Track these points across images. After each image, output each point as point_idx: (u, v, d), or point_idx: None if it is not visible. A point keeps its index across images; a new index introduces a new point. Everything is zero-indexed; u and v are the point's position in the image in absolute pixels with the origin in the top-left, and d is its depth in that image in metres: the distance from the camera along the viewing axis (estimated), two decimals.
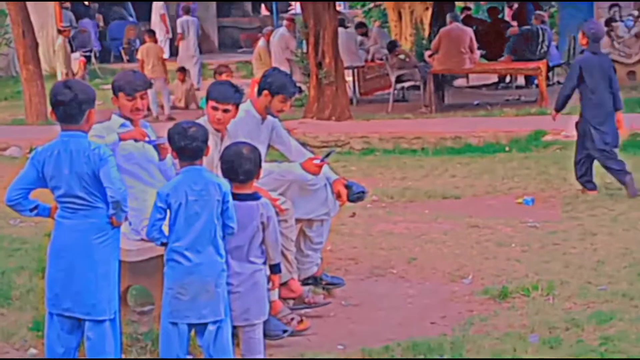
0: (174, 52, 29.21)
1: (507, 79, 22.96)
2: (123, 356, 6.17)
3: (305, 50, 19.21)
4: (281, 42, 20.20)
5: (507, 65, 20.44)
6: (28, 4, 19.41)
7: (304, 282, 7.35)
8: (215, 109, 6.79)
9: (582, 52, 11.81)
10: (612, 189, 11.14)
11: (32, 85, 19.01)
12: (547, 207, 10.66)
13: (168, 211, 5.45)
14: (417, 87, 19.93)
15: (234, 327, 5.70)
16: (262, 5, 35.80)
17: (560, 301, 7.10)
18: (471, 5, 29.03)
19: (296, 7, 30.27)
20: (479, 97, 20.83)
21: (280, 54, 20.04)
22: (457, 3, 25.20)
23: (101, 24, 31.14)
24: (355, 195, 7.46)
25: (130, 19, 31.65)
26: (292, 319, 6.70)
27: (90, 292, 5.34)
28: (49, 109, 5.43)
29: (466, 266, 8.20)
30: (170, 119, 18.03)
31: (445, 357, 6.01)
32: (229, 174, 5.76)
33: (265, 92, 7.21)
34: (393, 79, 19.47)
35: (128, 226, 6.62)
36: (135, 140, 6.34)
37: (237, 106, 6.86)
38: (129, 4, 32.64)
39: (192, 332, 5.58)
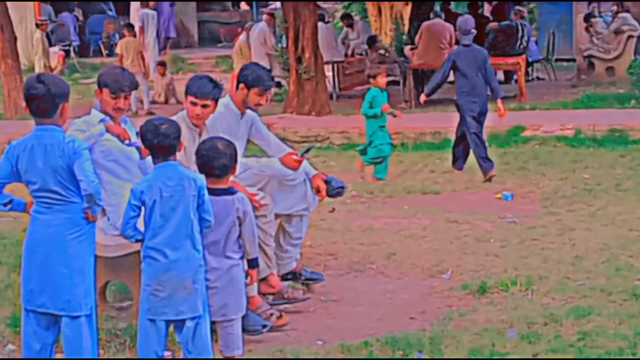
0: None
1: None
2: (101, 352, 6.17)
3: (285, 45, 19.20)
4: (260, 37, 20.19)
5: None
6: None
7: (283, 278, 7.35)
8: (194, 104, 6.77)
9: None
10: (590, 185, 11.18)
11: (11, 79, 18.91)
12: (526, 202, 10.70)
13: (143, 208, 5.42)
14: (396, 83, 19.92)
15: (212, 323, 5.69)
16: (242, 0, 35.72)
17: (538, 296, 7.12)
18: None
19: (276, 2, 30.24)
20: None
21: (260, 49, 20.03)
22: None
23: (80, 18, 30.99)
24: (335, 191, 7.45)
25: (110, 13, 31.52)
26: (271, 314, 6.69)
27: (65, 287, 5.31)
28: (24, 103, 5.40)
29: (445, 261, 8.21)
30: (149, 113, 17.96)
31: (424, 352, 6.01)
32: (204, 169, 5.74)
33: (242, 85, 7.20)
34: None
35: (106, 221, 6.62)
36: (118, 138, 6.32)
37: (216, 101, 6.85)
38: None
39: (171, 328, 5.57)
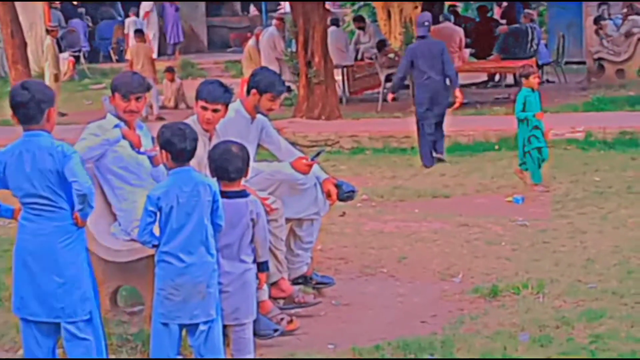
0: (162, 51, 29.24)
1: (497, 77, 22.97)
2: (112, 357, 6.18)
3: (294, 50, 19.20)
4: (270, 42, 20.19)
5: (496, 64, 20.48)
6: (17, 4, 19.38)
7: (294, 282, 7.35)
8: (204, 108, 6.77)
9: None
10: (601, 188, 11.16)
11: None
12: (537, 205, 10.68)
13: (158, 213, 5.43)
14: (406, 86, 19.92)
15: (224, 327, 5.69)
16: (252, 5, 35.76)
17: (550, 299, 7.11)
18: (459, 3, 29.04)
19: (285, 7, 30.28)
20: (468, 96, 20.79)
21: (270, 54, 20.03)
22: (445, 2, 25.23)
23: (90, 24, 31.05)
24: (345, 195, 7.45)
25: (119, 18, 31.58)
26: (282, 319, 6.69)
27: (56, 296, 5.30)
28: (10, 111, 5.40)
29: (456, 265, 8.21)
30: (159, 118, 18.00)
31: (435, 356, 6.01)
32: (219, 172, 5.75)
33: (254, 91, 7.20)
34: (382, 77, 19.47)
35: (117, 227, 6.63)
36: (131, 145, 6.35)
37: (226, 106, 6.85)
38: (118, 3, 32.61)
39: (184, 332, 5.58)
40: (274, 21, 21.61)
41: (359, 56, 21.77)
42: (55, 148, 5.25)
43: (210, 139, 6.82)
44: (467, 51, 19.86)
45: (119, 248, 6.49)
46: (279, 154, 7.52)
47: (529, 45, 20.58)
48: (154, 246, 5.51)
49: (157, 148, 5.67)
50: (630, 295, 7.06)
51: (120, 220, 6.64)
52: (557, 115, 16.52)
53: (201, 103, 6.79)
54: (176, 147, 5.46)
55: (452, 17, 20.13)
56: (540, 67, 21.36)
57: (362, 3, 31.15)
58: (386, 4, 24.57)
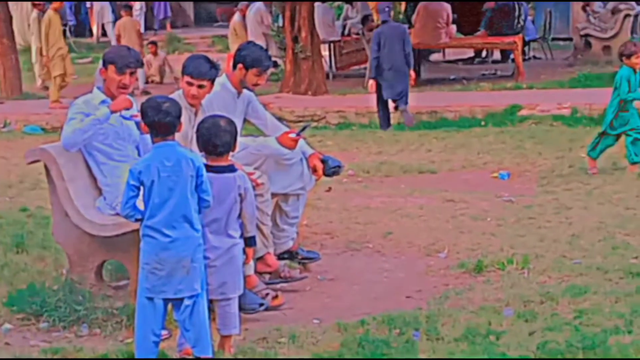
0: (148, 25, 29.14)
1: (484, 53, 22.99)
2: (98, 330, 6.19)
3: (281, 25, 19.16)
4: (257, 16, 20.13)
5: (483, 40, 20.47)
6: None
7: (280, 257, 7.35)
8: (190, 84, 6.76)
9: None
10: (586, 164, 11.17)
11: (7, 59, 18.90)
12: (523, 181, 10.71)
13: (141, 187, 5.42)
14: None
15: (210, 302, 5.69)
16: None
17: (535, 275, 7.13)
18: None
19: None
20: (454, 72, 20.87)
21: (256, 28, 19.96)
22: None
23: None
24: (332, 170, 7.45)
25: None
26: (267, 294, 6.70)
27: None
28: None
29: (442, 240, 8.22)
30: (145, 92, 17.96)
31: (420, 330, 6.01)
32: (207, 146, 5.73)
33: (240, 65, 7.19)
34: (369, 53, 19.41)
35: (102, 201, 6.63)
36: (124, 117, 6.39)
37: (212, 82, 6.83)
38: None
39: (169, 307, 5.57)
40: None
41: (347, 32, 21.73)
42: None
43: (195, 113, 6.81)
44: (454, 27, 19.83)
45: (105, 222, 6.48)
46: (265, 128, 7.51)
47: (515, 21, 20.55)
48: (136, 220, 5.50)
49: None
50: (615, 271, 7.08)
51: (105, 194, 6.64)
52: (544, 91, 16.57)
53: (187, 78, 6.77)
54: (150, 119, 5.45)
55: None
56: (527, 43, 21.38)
57: None
58: None
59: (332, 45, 20.49)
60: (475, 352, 5.59)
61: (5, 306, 6.58)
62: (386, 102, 14.66)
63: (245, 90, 7.33)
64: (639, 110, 10.88)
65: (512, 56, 20.19)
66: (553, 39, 22.81)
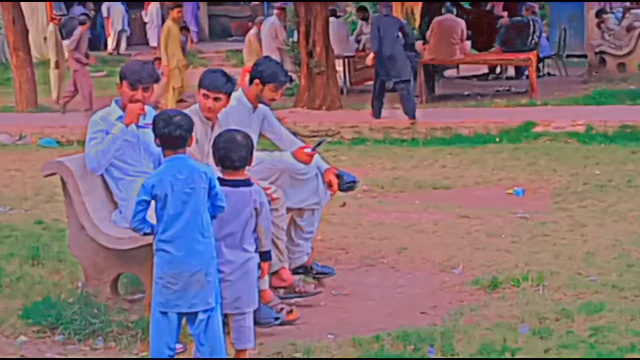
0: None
1: (498, 69, 22.98)
2: (113, 344, 6.19)
3: (296, 40, 19.19)
4: (271, 31, 20.15)
5: (497, 56, 20.47)
6: None
7: (295, 271, 7.35)
8: (206, 96, 6.78)
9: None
10: (601, 181, 11.16)
11: (22, 72, 18.97)
12: (537, 198, 10.69)
13: (153, 201, 5.41)
14: (406, 81, 19.90)
15: (225, 315, 5.70)
16: None
17: (550, 292, 7.11)
18: None
19: None
20: (469, 88, 20.85)
21: (271, 43, 19.99)
22: None
23: (92, 12, 31.01)
24: (347, 185, 7.46)
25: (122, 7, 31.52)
26: (282, 308, 6.70)
27: None
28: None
29: (456, 256, 8.21)
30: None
31: (435, 346, 6.00)
32: (223, 160, 5.75)
33: (257, 80, 7.20)
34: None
35: (118, 214, 6.65)
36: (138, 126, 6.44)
37: (228, 95, 6.85)
38: None
39: (183, 321, 5.57)
40: (276, 11, 21.54)
41: (361, 47, 21.74)
42: None
43: (212, 127, 6.82)
44: (469, 43, 19.84)
45: (120, 235, 6.49)
46: (280, 143, 7.52)
47: (530, 38, 20.56)
48: (145, 234, 5.51)
49: None
50: (630, 289, 7.06)
51: (121, 208, 6.66)
52: (558, 108, 16.54)
53: (203, 91, 6.80)
54: (160, 131, 5.46)
55: (454, 9, 20.09)
56: (541, 60, 21.38)
57: None
58: None
59: (346, 60, 20.51)
60: None
61: (21, 318, 6.60)
62: (381, 93, 15.87)
63: (260, 105, 7.35)
64: None
65: (526, 73, 20.16)
66: (567, 56, 22.78)
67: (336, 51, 18.45)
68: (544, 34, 22.02)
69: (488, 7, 24.64)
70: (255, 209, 5.77)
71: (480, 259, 8.12)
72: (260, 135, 7.47)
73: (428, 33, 18.83)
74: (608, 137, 14.05)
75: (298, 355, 5.95)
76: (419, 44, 19.66)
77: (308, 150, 7.28)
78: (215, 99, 6.77)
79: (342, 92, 18.93)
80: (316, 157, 7.32)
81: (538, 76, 19.83)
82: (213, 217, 5.51)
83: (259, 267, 5.95)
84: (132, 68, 6.62)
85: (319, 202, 7.38)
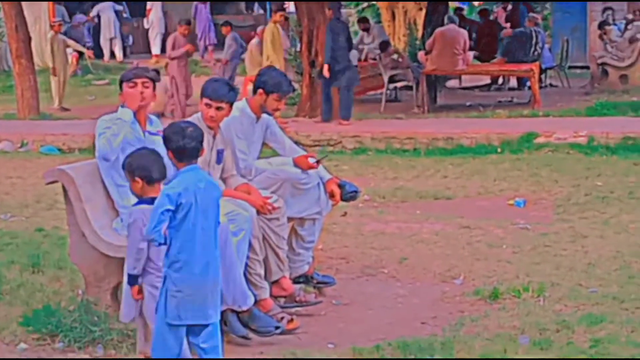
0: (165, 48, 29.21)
1: (500, 80, 23.00)
2: (112, 352, 6.18)
3: (298, 49, 19.20)
4: (267, 35, 20.09)
5: (500, 67, 20.49)
6: None
7: (295, 281, 7.35)
8: (208, 106, 6.78)
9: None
10: (603, 193, 11.16)
11: (25, 79, 18.97)
12: (539, 209, 10.68)
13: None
14: (409, 88, 19.95)
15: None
16: (256, 4, 35.74)
17: (550, 303, 7.11)
18: (464, 6, 29.04)
19: (290, 6, 30.25)
20: (471, 98, 20.87)
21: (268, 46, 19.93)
22: (450, 4, 25.23)
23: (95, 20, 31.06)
24: (349, 195, 7.47)
25: (124, 15, 31.57)
26: (282, 317, 6.69)
27: None
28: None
29: (457, 267, 8.21)
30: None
31: (435, 357, 6.01)
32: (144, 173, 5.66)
33: (260, 90, 7.21)
34: (386, 79, 19.48)
35: (120, 222, 6.65)
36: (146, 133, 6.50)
37: (230, 104, 6.84)
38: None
39: None
40: (275, 15, 21.45)
41: (363, 57, 21.76)
42: None
43: (214, 136, 6.83)
44: (471, 54, 19.86)
45: (121, 244, 6.47)
46: (283, 152, 7.53)
47: (532, 49, 20.60)
48: (159, 244, 5.35)
49: None
50: (631, 300, 7.06)
51: (122, 216, 6.66)
52: (560, 119, 16.53)
53: (205, 100, 6.80)
54: (175, 144, 5.41)
55: (457, 20, 20.14)
56: (543, 71, 21.40)
57: (366, 4, 31.17)
58: (390, 5, 24.58)
59: None
60: None
61: (21, 326, 6.59)
62: (329, 94, 16.61)
63: (264, 115, 7.36)
64: None
65: (528, 84, 20.19)
66: (570, 67, 22.81)
67: None
68: (546, 45, 22.06)
69: (492, 17, 24.70)
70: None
71: (481, 269, 8.12)
72: (263, 144, 7.48)
73: (429, 42, 18.82)
74: (610, 149, 14.05)
75: None
76: (421, 55, 19.69)
77: (312, 160, 7.29)
78: (218, 108, 6.76)
79: None
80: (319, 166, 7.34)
81: (540, 87, 19.83)
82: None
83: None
84: (128, 69, 6.70)
85: (320, 212, 7.39)
